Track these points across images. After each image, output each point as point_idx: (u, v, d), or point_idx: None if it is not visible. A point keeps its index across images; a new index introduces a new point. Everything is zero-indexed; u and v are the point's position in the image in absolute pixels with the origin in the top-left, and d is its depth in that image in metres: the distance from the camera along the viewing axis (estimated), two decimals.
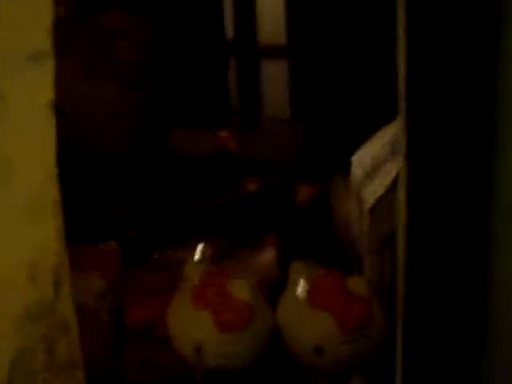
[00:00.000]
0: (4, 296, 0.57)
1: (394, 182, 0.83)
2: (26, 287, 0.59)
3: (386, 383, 0.73)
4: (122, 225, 1.01)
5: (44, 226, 0.59)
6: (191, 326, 0.79)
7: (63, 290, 0.66)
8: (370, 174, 0.89)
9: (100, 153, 1.15)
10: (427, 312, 0.58)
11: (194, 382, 0.83)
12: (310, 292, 0.78)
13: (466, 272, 0.57)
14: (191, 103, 1.28)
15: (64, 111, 0.63)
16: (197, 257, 0.91)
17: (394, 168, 0.85)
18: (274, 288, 0.86)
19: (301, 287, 0.79)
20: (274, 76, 1.33)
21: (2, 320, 0.58)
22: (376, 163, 0.90)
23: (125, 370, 0.93)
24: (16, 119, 0.55)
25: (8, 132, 0.54)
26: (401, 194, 0.58)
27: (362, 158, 0.94)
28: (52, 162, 0.58)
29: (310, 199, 1.08)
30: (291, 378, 0.83)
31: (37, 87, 0.56)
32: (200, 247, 0.95)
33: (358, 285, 0.78)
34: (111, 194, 1.08)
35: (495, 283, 0.56)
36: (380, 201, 0.82)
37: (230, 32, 1.34)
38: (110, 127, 1.21)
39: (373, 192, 0.85)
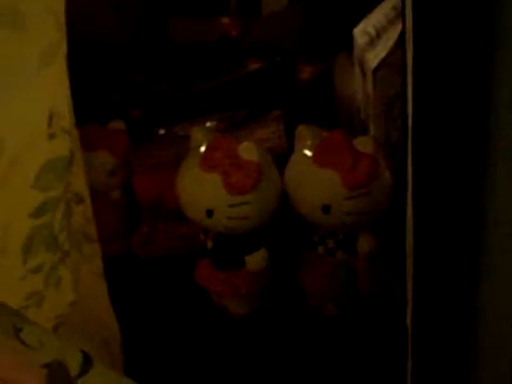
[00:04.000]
0: (26, 151, 0.57)
1: (396, 44, 0.83)
2: (45, 144, 0.59)
3: (393, 242, 0.74)
4: (127, 106, 1.02)
5: (58, 78, 0.58)
6: (201, 189, 0.80)
7: (76, 160, 0.67)
8: (373, 40, 0.89)
9: (99, 42, 1.14)
10: (436, 169, 0.58)
11: (205, 251, 0.85)
12: (316, 151, 0.79)
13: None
14: None
15: None
16: (203, 127, 0.92)
17: (395, 33, 0.86)
18: (281, 158, 0.87)
19: (307, 147, 0.80)
20: None
21: (23, 175, 0.58)
22: (378, 31, 0.90)
23: (137, 246, 0.95)
24: None
25: None
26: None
27: (364, 29, 0.94)
28: (62, 15, 0.58)
29: (314, 76, 1.09)
30: (299, 239, 0.85)
31: None
32: (206, 121, 0.97)
33: (364, 143, 0.79)
34: (114, 80, 1.08)
35: None
36: (383, 62, 0.83)
37: None
38: (109, 17, 1.20)
39: (375, 55, 0.85)
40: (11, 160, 0.56)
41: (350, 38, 0.98)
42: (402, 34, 0.61)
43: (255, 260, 0.82)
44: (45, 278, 0.62)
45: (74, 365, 0.50)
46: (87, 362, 0.51)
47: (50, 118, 0.58)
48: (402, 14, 0.60)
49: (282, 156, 0.88)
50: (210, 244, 0.84)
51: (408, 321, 0.60)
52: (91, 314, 0.73)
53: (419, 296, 0.59)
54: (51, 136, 0.58)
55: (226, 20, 1.23)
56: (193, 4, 1.26)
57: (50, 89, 0.58)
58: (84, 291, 0.70)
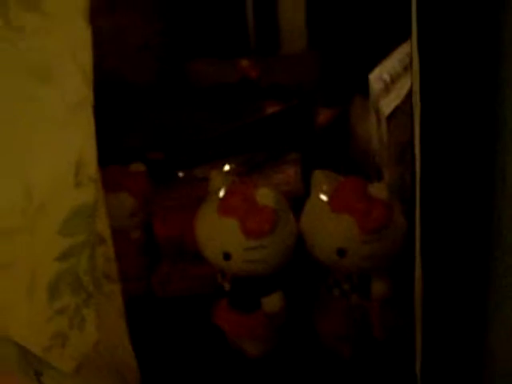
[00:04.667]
0: (53, 199, 0.59)
1: (409, 93, 0.85)
2: (72, 192, 0.61)
3: (406, 284, 0.76)
4: (148, 148, 1.04)
5: (85, 129, 0.61)
6: (219, 233, 0.82)
7: (99, 202, 0.69)
8: (388, 86, 0.91)
9: (122, 83, 1.17)
10: (444, 215, 0.60)
11: (223, 292, 0.87)
12: (332, 196, 0.81)
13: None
14: (210, 34, 1.30)
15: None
16: (222, 171, 0.94)
17: (409, 79, 0.88)
18: (298, 201, 0.89)
19: (323, 192, 0.82)
20: (291, 5, 1.34)
21: (50, 222, 0.60)
22: (393, 77, 0.92)
23: (157, 285, 0.97)
24: (55, 29, 0.57)
25: (48, 42, 0.56)
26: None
27: (379, 74, 0.96)
28: (89, 67, 0.60)
29: (330, 120, 1.11)
30: (314, 282, 0.87)
31: None
32: (225, 164, 0.99)
33: (379, 189, 0.80)
34: (135, 122, 1.11)
35: None
36: (397, 109, 0.85)
37: None
38: (133, 58, 1.23)
39: (390, 102, 0.87)
40: (39, 207, 0.58)
41: (366, 82, 1.00)
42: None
43: (272, 302, 0.84)
44: (69, 319, 0.64)
45: None
46: None
47: (77, 166, 0.61)
48: (410, 66, 0.62)
49: (298, 199, 0.90)
50: (227, 286, 0.86)
51: (417, 370, 0.62)
52: (112, 353, 0.75)
53: (428, 345, 0.60)
54: (78, 184, 0.61)
55: (245, 62, 1.26)
56: (213, 45, 1.28)
57: (77, 138, 0.60)
58: (105, 330, 0.72)
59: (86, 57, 0.60)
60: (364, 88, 1.01)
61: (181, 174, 1.00)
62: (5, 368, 0.51)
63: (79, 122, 0.60)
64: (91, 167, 0.62)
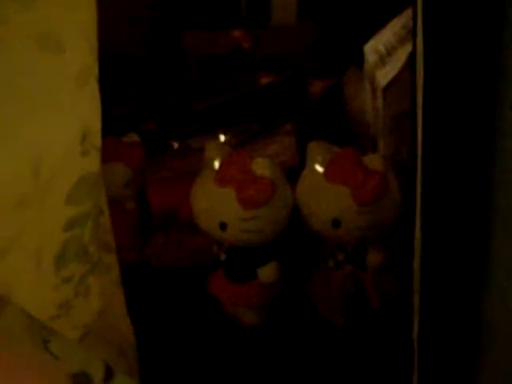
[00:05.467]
0: (61, 168, 0.59)
1: (406, 63, 0.86)
2: (79, 161, 0.61)
3: (401, 254, 0.77)
4: (141, 119, 1.04)
5: (91, 97, 0.61)
6: (215, 203, 0.82)
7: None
8: (383, 58, 0.91)
9: (114, 55, 1.16)
10: (445, 185, 0.60)
11: (219, 262, 0.88)
12: (328, 167, 0.81)
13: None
14: (202, 5, 1.29)
15: None
16: (218, 142, 0.94)
17: (404, 51, 0.88)
18: (293, 172, 0.89)
19: (318, 163, 0.82)
20: None
21: (59, 191, 0.61)
22: (388, 49, 0.92)
23: (151, 256, 0.97)
24: None
25: (55, 11, 0.56)
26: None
27: (374, 46, 0.96)
28: (95, 39, 0.60)
29: (324, 91, 1.11)
30: (309, 252, 0.87)
31: None
32: (220, 135, 0.99)
33: (374, 160, 0.81)
34: (128, 93, 1.11)
35: None
36: (393, 81, 0.85)
37: None
38: (124, 30, 1.23)
39: (386, 74, 0.88)
40: (48, 177, 0.58)
41: (361, 54, 1.00)
42: (412, 53, 0.64)
43: (267, 272, 0.85)
44: (75, 287, 0.65)
45: (97, 375, 0.53)
46: (109, 373, 0.54)
47: (84, 135, 0.61)
48: (412, 34, 0.63)
49: (293, 170, 0.90)
50: (223, 256, 0.87)
51: (414, 335, 0.63)
52: (110, 322, 0.75)
53: (425, 311, 0.61)
54: (84, 153, 0.61)
55: (238, 32, 1.26)
56: (205, 16, 1.28)
57: (83, 108, 0.60)
58: (104, 300, 0.73)
59: (91, 25, 0.60)
60: (358, 59, 1.01)
61: (175, 145, 1.00)
62: (13, 336, 0.52)
63: (86, 90, 0.60)
64: (96, 136, 0.62)
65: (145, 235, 0.98)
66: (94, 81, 0.60)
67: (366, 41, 0.99)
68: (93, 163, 0.62)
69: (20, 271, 0.59)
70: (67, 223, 0.61)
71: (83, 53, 0.58)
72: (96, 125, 0.62)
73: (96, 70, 0.60)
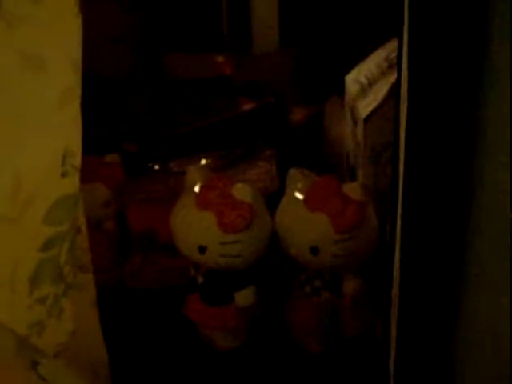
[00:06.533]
0: (41, 188, 0.60)
1: (388, 95, 0.87)
2: (58, 182, 0.62)
3: (378, 285, 0.78)
4: (122, 140, 1.05)
5: (72, 118, 0.61)
6: (195, 226, 0.83)
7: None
8: (365, 89, 0.93)
9: (97, 76, 1.17)
10: (425, 215, 0.61)
11: (196, 285, 0.88)
12: (307, 195, 0.82)
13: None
14: (185, 28, 1.31)
15: None
16: (199, 166, 0.95)
17: (386, 83, 0.90)
18: (272, 198, 0.90)
19: (298, 190, 0.83)
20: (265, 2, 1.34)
21: (36, 211, 0.61)
22: (370, 80, 0.94)
23: (128, 276, 0.97)
24: (48, 19, 0.57)
25: (40, 31, 0.57)
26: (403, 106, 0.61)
27: (356, 76, 0.98)
28: (79, 60, 0.61)
29: (305, 119, 1.12)
30: (287, 278, 0.88)
31: None
32: (201, 159, 1.00)
33: (353, 189, 0.82)
34: (110, 114, 1.11)
35: None
36: (374, 112, 0.86)
37: None
38: (108, 51, 1.23)
39: (367, 104, 0.89)
40: (27, 196, 0.58)
41: (342, 84, 1.01)
42: (394, 85, 0.65)
43: (244, 296, 0.85)
44: (48, 308, 0.65)
45: None
46: None
47: (64, 156, 0.61)
48: (397, 66, 0.64)
49: (273, 196, 0.91)
50: (200, 279, 0.87)
51: (391, 366, 0.63)
52: (84, 343, 0.75)
53: (403, 343, 0.62)
54: (63, 174, 0.61)
55: (220, 58, 1.27)
56: (188, 39, 1.29)
57: (65, 128, 0.61)
58: (78, 321, 0.73)
59: (75, 46, 0.60)
60: (339, 89, 1.03)
61: (156, 167, 1.00)
62: (3, 358, 0.52)
63: (68, 110, 0.60)
64: (77, 156, 0.63)
65: (123, 256, 0.98)
66: (77, 102, 0.61)
67: (348, 71, 1.01)
68: (72, 184, 0.63)
69: None
70: (43, 244, 0.61)
71: (66, 74, 0.58)
72: (77, 145, 0.62)
73: (79, 91, 0.61)
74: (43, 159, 0.59)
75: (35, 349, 0.54)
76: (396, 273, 0.63)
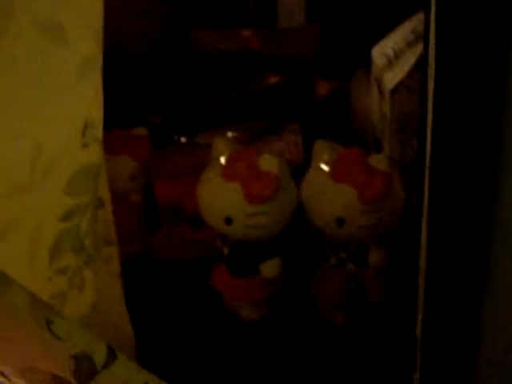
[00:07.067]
0: (61, 158, 0.60)
1: (414, 67, 0.86)
2: (79, 152, 0.62)
3: (404, 256, 0.77)
4: (149, 113, 1.05)
5: (94, 89, 0.61)
6: (221, 197, 0.83)
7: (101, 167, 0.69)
8: (391, 62, 0.92)
9: (123, 51, 1.17)
10: (452, 186, 0.61)
11: (222, 256, 0.88)
12: (333, 166, 0.82)
13: None
14: (212, 3, 1.30)
15: None
16: (226, 137, 0.95)
17: (413, 55, 0.89)
18: (298, 170, 0.90)
19: (324, 162, 0.83)
20: None
21: (57, 181, 0.61)
22: (396, 53, 0.93)
23: (155, 248, 0.98)
24: None
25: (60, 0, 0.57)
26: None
27: (382, 49, 0.97)
28: (100, 31, 0.61)
29: (331, 93, 1.12)
30: (312, 250, 0.88)
31: None
32: (227, 132, 1.00)
33: (379, 160, 0.82)
34: (137, 88, 1.12)
35: None
36: (401, 84, 0.86)
37: None
38: (133, 25, 1.23)
39: (393, 77, 0.88)
40: (47, 165, 0.59)
41: (368, 57, 1.01)
42: (421, 57, 0.64)
43: (269, 268, 0.85)
44: (69, 279, 0.65)
45: (99, 357, 0.54)
46: (111, 355, 0.55)
47: (85, 127, 0.61)
48: (423, 38, 0.63)
49: (298, 168, 0.91)
50: (226, 250, 0.87)
51: (418, 331, 0.63)
52: (107, 315, 0.76)
53: (430, 307, 0.62)
54: (85, 145, 0.61)
55: (247, 32, 1.26)
56: (215, 14, 1.29)
57: (86, 99, 0.61)
58: (101, 292, 0.73)
59: (97, 17, 0.60)
60: (366, 62, 1.02)
61: (183, 140, 1.01)
62: (16, 316, 0.52)
63: (89, 81, 0.60)
64: (98, 128, 0.63)
65: (149, 229, 0.99)
66: (98, 72, 0.60)
67: (374, 44, 1.00)
68: (93, 155, 0.63)
69: (14, 260, 0.59)
70: (64, 214, 0.62)
71: (87, 43, 0.58)
72: (98, 116, 0.62)
73: (100, 62, 0.60)
74: (64, 129, 0.59)
75: (49, 307, 0.54)
76: (423, 242, 0.62)
